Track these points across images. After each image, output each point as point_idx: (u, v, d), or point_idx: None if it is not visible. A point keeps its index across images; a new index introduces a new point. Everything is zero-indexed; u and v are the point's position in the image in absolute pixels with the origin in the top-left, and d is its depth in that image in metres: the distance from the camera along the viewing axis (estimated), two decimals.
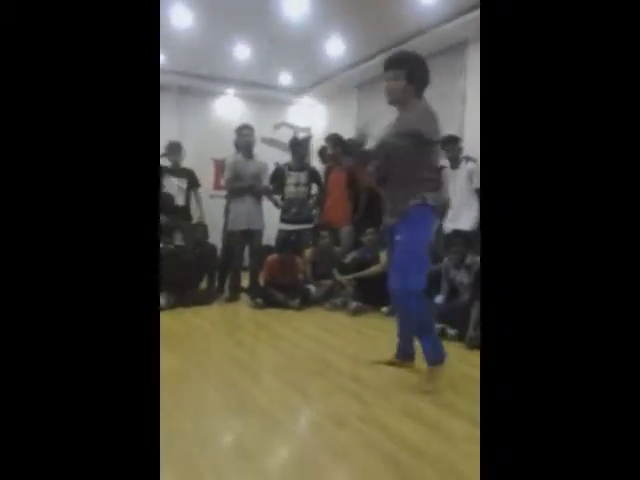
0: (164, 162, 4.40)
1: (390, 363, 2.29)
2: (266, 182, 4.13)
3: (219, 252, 4.34)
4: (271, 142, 6.24)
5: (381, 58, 5.23)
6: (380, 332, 3.13)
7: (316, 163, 5.10)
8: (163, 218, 4.15)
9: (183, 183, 4.31)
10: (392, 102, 2.02)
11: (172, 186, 4.27)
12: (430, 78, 2.00)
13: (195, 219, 4.41)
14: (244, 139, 4.06)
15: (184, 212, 4.34)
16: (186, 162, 4.50)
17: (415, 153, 1.91)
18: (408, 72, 1.94)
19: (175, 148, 4.34)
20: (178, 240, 4.15)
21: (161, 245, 4.00)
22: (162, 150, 4.39)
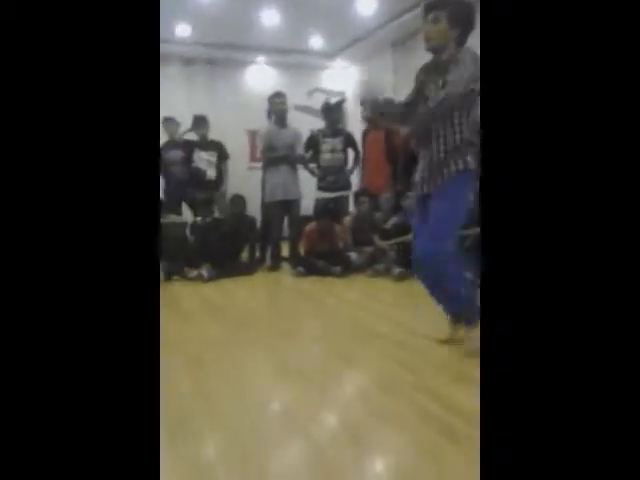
0: (191, 136, 4.41)
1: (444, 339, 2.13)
2: (301, 151, 4.05)
3: (258, 224, 4.35)
4: (305, 109, 6.10)
5: (415, 13, 5.03)
6: (425, 297, 3.05)
7: (354, 126, 4.97)
8: (197, 192, 4.18)
9: (212, 156, 4.30)
10: (432, 49, 1.86)
11: (201, 160, 4.27)
12: (476, 22, 1.83)
13: (228, 191, 4.41)
14: (277, 107, 3.98)
15: (217, 185, 4.34)
16: (220, 135, 4.47)
17: (463, 113, 1.78)
18: (450, 14, 1.77)
19: (200, 122, 4.31)
20: (216, 213, 4.17)
21: (199, 219, 4.04)
22: (189, 124, 4.39)
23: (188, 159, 4.29)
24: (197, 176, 4.24)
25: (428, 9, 1.82)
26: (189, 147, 4.33)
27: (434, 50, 1.86)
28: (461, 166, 1.82)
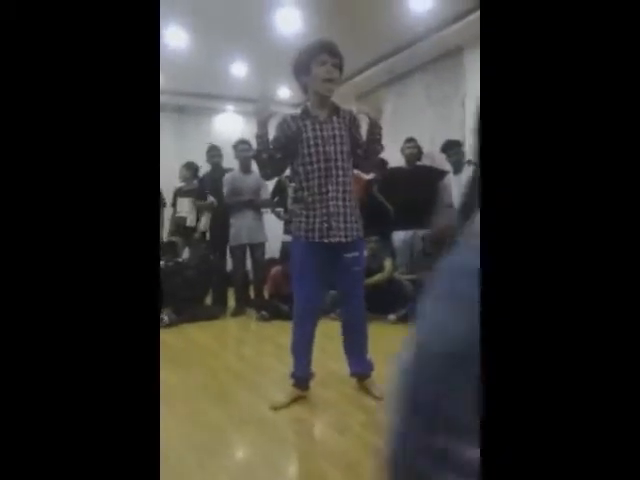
0: (179, 183, 4.47)
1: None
2: (266, 196, 4.13)
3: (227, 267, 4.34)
4: None
5: (378, 68, 5.32)
6: (387, 339, 3.07)
7: None
8: (170, 237, 4.19)
9: (193, 202, 4.35)
10: None
11: (183, 207, 4.34)
12: None
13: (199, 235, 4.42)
14: (241, 154, 4.08)
15: (193, 231, 4.36)
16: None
17: None
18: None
19: (189, 168, 4.41)
20: (184, 255, 4.16)
21: (163, 262, 4.00)
22: (180, 172, 4.47)
23: (173, 204, 4.42)
24: (179, 225, 4.32)
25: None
26: (174, 194, 4.45)
27: None
28: None
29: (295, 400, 1.94)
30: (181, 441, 1.60)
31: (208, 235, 4.39)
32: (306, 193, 1.86)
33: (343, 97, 5.88)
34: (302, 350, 1.99)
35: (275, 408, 1.87)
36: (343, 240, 1.84)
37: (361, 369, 2.05)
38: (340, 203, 1.84)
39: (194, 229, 4.35)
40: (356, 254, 1.91)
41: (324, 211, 1.83)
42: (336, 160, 1.84)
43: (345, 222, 1.85)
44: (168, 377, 2.36)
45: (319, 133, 1.85)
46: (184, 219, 4.33)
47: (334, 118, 1.90)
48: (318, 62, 1.84)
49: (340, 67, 1.87)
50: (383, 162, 4.59)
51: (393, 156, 4.43)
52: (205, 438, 1.63)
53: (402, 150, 3.91)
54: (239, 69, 5.19)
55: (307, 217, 1.85)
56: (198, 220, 4.37)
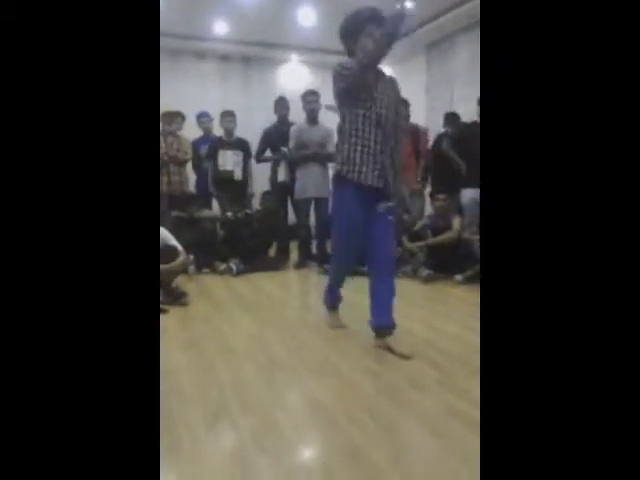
0: (218, 131, 4.43)
1: None
2: (332, 149, 4.07)
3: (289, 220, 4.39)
4: (336, 109, 6.12)
5: (451, 16, 4.98)
6: (454, 299, 3.04)
7: None
8: (224, 192, 4.21)
9: (239, 155, 4.30)
10: None
11: (228, 160, 4.26)
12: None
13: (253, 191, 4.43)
14: (309, 106, 4.01)
15: (243, 185, 4.35)
16: (253, 132, 4.50)
17: None
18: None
19: (227, 116, 4.30)
20: (247, 209, 4.23)
21: (229, 214, 4.09)
22: (217, 118, 4.40)
23: (213, 156, 4.27)
24: (225, 178, 4.24)
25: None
26: (214, 145, 4.31)
27: None
28: None
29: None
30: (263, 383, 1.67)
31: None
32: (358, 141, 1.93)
33: (412, 46, 5.61)
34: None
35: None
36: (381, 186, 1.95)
37: (382, 322, 2.01)
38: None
39: (244, 183, 4.31)
40: (391, 204, 2.00)
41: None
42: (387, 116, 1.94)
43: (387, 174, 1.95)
44: (246, 324, 2.46)
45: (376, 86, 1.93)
46: (230, 173, 4.24)
47: (379, 81, 1.94)
48: (366, 33, 1.84)
49: (391, 38, 1.80)
50: (453, 116, 4.38)
51: (468, 109, 4.22)
52: (282, 382, 1.70)
53: (478, 102, 3.68)
54: (306, 17, 5.04)
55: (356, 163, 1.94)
56: (246, 173, 4.32)
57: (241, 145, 4.34)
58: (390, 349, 1.96)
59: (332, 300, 2.39)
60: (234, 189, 4.26)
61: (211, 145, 4.35)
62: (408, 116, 4.10)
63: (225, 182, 4.25)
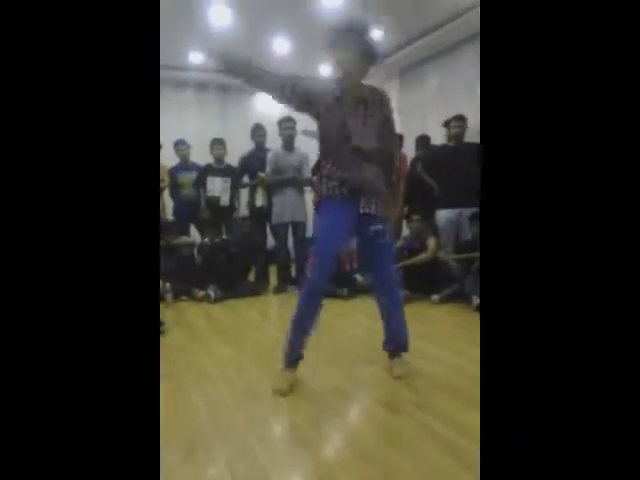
0: (208, 159, 4.49)
1: None
2: (308, 174, 4.13)
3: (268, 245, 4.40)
4: (312, 134, 6.20)
5: (421, 42, 5.17)
6: (430, 319, 3.07)
7: None
8: (208, 216, 4.26)
9: (227, 182, 4.36)
10: None
11: (215, 186, 4.33)
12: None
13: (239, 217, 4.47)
14: (285, 132, 4.07)
15: (230, 211, 4.41)
16: (231, 159, 4.54)
17: None
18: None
19: (217, 144, 4.39)
20: (224, 234, 4.24)
21: (206, 240, 4.10)
22: (208, 146, 4.48)
23: (203, 182, 4.35)
24: (212, 204, 4.31)
25: None
26: (204, 172, 4.40)
27: None
28: None
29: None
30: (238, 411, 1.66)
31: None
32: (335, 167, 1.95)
33: (387, 72, 5.78)
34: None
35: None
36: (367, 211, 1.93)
37: (391, 347, 2.08)
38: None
39: (230, 208, 4.37)
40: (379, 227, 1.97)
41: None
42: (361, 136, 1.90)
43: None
44: (222, 350, 2.44)
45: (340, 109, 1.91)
46: (217, 199, 4.32)
47: (362, 97, 1.93)
48: (339, 45, 1.88)
49: (366, 51, 1.85)
50: (424, 139, 4.49)
51: (438, 132, 4.33)
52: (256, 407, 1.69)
53: (448, 127, 3.80)
54: (281, 46, 5.15)
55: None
56: (233, 198, 4.38)
57: (232, 172, 4.41)
58: (389, 368, 2.03)
59: (291, 357, 1.99)
60: (218, 214, 4.32)
61: (201, 172, 4.41)
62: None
63: (210, 207, 4.31)
